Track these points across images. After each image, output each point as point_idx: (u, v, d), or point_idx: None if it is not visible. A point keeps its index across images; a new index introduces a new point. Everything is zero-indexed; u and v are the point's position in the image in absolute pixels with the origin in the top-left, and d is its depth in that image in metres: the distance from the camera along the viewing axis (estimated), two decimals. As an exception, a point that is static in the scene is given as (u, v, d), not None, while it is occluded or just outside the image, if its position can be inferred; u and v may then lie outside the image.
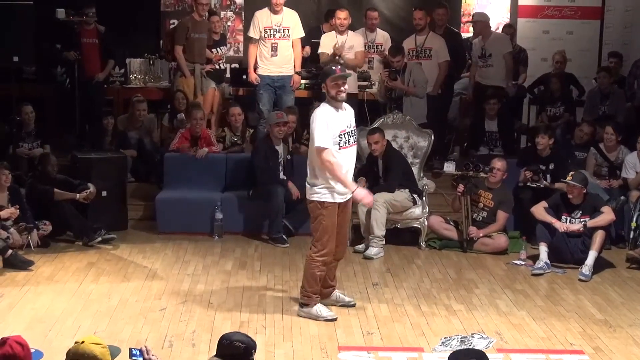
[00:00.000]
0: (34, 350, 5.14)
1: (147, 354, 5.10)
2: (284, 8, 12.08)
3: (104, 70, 12.72)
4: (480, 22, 12.74)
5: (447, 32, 12.99)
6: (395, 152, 10.92)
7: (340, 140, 7.89)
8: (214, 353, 5.29)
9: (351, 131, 8.02)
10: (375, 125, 11.25)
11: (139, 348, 5.10)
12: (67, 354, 4.84)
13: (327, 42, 12.36)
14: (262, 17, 12.06)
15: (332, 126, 7.85)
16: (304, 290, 8.19)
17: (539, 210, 10.06)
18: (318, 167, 7.90)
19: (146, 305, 8.47)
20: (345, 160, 7.96)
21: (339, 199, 8.00)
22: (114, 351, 4.97)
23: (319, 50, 12.45)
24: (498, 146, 12.10)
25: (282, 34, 12.08)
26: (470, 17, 14.15)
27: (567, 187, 9.95)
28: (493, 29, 13.81)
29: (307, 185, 8.09)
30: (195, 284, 9.16)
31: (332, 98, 7.95)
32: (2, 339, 4.82)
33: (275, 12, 12.01)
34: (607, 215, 9.86)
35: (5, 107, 11.85)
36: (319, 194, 7.94)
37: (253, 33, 12.13)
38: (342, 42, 12.21)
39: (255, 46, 12.17)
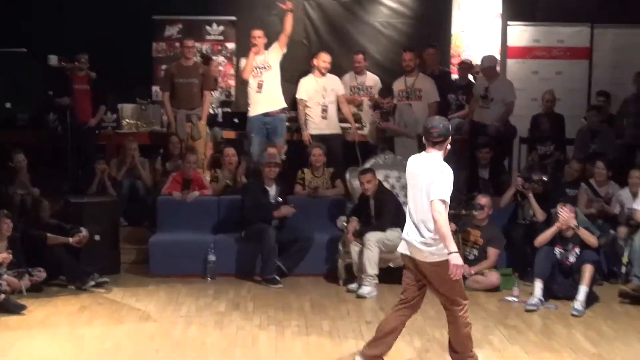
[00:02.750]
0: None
1: None
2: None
3: (96, 116, 12.80)
4: (489, 67, 12.88)
5: (437, 72, 13.09)
6: (387, 192, 10.97)
7: None
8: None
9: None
10: (367, 165, 11.30)
11: None
12: None
13: (305, 86, 12.57)
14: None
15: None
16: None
17: (541, 236, 10.09)
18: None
19: (140, 347, 8.42)
20: None
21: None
22: None
23: (297, 96, 12.59)
24: (490, 192, 12.03)
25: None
26: (461, 59, 14.29)
27: (559, 217, 9.97)
28: (480, 62, 13.91)
29: (422, 245, 7.15)
30: (188, 326, 9.11)
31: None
32: None
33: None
34: (592, 237, 9.96)
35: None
36: (441, 252, 7.07)
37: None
38: (323, 85, 12.38)
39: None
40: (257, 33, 12.38)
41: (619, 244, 10.68)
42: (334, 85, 12.61)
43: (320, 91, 12.47)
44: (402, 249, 7.44)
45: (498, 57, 14.52)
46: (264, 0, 14.51)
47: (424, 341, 8.63)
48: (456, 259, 6.95)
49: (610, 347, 8.51)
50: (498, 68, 13.48)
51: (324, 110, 12.32)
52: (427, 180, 7.05)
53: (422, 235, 7.11)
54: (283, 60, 12.45)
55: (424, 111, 12.49)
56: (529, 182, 11.10)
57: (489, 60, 13.11)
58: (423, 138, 7.35)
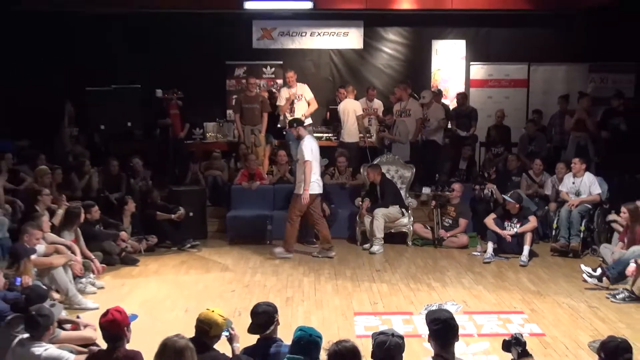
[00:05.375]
0: (130, 314, 5.11)
1: (233, 330, 5.10)
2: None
3: (183, 131, 12.82)
4: (427, 98, 12.53)
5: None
6: (388, 180, 10.92)
7: None
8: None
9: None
10: (375, 162, 11.27)
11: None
12: (200, 315, 4.88)
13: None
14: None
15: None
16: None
17: (490, 222, 10.05)
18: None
19: (222, 288, 8.52)
20: None
21: None
22: (228, 323, 5.01)
23: (358, 114, 12.33)
24: (464, 180, 11.96)
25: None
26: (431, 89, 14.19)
27: (507, 204, 9.98)
28: (453, 96, 13.87)
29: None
30: (254, 274, 9.18)
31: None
32: (106, 310, 4.85)
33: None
34: (531, 223, 9.90)
35: (123, 158, 11.97)
36: None
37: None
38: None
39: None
40: (290, 74, 12.36)
41: (550, 214, 10.61)
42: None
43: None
44: (317, 190, 9.71)
45: (463, 87, 14.47)
46: (300, 51, 14.52)
47: (416, 283, 8.64)
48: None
49: (545, 286, 8.54)
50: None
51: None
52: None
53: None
54: (317, 90, 12.39)
55: (412, 125, 12.40)
56: (479, 183, 11.15)
57: (427, 93, 12.72)
58: (297, 130, 9.81)
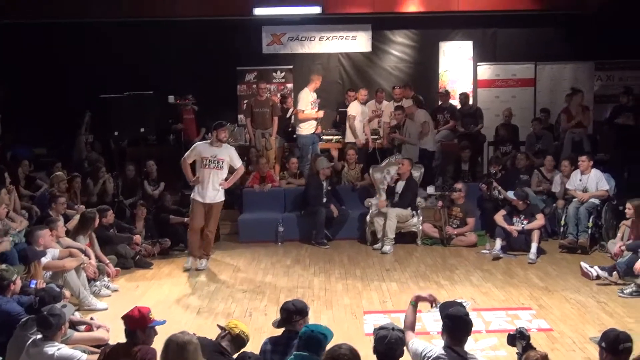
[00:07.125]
0: (161, 320, 5.11)
1: None
2: None
3: (199, 136, 12.81)
4: (407, 108, 12.46)
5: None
6: (414, 181, 10.83)
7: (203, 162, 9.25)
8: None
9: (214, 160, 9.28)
10: (383, 164, 11.25)
11: None
12: (228, 325, 5.11)
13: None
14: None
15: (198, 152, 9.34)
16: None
17: (499, 218, 10.02)
18: None
19: (233, 289, 8.52)
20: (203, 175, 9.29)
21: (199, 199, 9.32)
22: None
23: (351, 113, 12.15)
24: (469, 180, 11.84)
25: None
26: (439, 89, 14.12)
27: (513, 201, 9.95)
28: (458, 97, 13.82)
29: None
30: (266, 274, 9.18)
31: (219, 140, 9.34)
32: (134, 307, 4.98)
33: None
34: (539, 221, 9.87)
35: (137, 162, 12.00)
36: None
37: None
38: (363, 110, 12.15)
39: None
40: (320, 78, 12.09)
41: (558, 211, 10.53)
42: (367, 110, 12.48)
43: (362, 114, 12.29)
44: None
45: (471, 87, 14.40)
46: (310, 55, 14.51)
47: (425, 281, 8.60)
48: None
49: (553, 282, 8.48)
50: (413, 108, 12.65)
51: (364, 126, 12.29)
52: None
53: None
54: (326, 93, 12.27)
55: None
56: (486, 183, 11.04)
57: (408, 103, 12.67)
58: (216, 134, 9.38)
